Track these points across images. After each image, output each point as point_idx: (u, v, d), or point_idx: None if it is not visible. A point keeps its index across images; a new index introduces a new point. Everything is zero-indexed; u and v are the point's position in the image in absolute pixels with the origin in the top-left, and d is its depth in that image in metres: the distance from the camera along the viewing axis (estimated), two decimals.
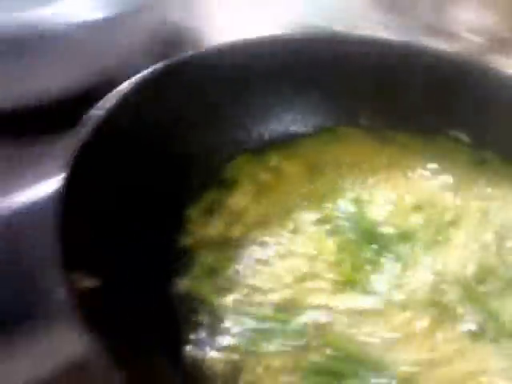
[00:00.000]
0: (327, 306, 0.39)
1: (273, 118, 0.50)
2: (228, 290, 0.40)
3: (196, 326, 0.38)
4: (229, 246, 0.43)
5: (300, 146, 0.50)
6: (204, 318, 0.39)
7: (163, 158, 0.44)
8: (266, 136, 0.50)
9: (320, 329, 0.38)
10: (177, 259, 0.41)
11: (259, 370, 0.36)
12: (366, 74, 0.51)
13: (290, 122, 0.51)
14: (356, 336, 0.38)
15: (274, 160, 0.49)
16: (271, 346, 0.38)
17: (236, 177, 0.47)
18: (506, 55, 0.67)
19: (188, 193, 0.44)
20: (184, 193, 0.44)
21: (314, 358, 0.37)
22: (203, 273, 0.41)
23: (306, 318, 0.39)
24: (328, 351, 0.37)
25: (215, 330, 0.38)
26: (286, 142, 0.50)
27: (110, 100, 0.41)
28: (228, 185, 0.47)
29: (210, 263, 0.42)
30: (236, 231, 0.44)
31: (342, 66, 0.51)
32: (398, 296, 0.40)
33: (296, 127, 0.51)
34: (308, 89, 0.50)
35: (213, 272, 0.41)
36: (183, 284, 0.40)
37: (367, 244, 0.43)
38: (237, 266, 0.42)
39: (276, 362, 0.37)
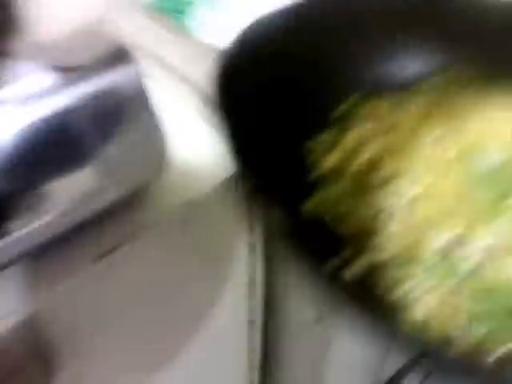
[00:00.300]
0: (470, 244, 0.40)
1: (389, 63, 0.51)
2: (362, 223, 0.42)
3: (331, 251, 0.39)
4: (353, 181, 0.45)
5: (414, 90, 0.50)
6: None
7: (291, 88, 0.45)
8: (382, 78, 0.51)
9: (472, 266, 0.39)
10: (304, 189, 0.43)
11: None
12: (485, 25, 0.51)
13: (405, 67, 0.51)
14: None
15: (388, 101, 0.50)
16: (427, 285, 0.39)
17: (355, 114, 0.48)
18: None
19: (309, 127, 0.46)
20: (305, 127, 0.46)
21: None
22: (333, 203, 0.43)
23: (455, 257, 0.40)
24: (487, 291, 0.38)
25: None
26: (400, 86, 0.51)
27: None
28: (348, 121, 0.48)
29: (338, 196, 0.43)
30: (358, 166, 0.45)
31: (464, 18, 0.51)
32: None
33: (411, 72, 0.52)
34: (430, 38, 0.51)
35: (340, 205, 0.43)
36: (313, 211, 0.42)
37: (494, 183, 0.44)
38: (364, 202, 0.43)
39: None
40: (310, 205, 0.42)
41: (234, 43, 0.46)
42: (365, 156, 0.46)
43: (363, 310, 0.36)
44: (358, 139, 0.47)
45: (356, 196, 0.43)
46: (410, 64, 0.51)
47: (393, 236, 0.41)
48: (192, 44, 0.59)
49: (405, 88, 0.50)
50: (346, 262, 0.39)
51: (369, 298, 0.37)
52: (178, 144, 0.45)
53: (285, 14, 0.48)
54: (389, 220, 0.42)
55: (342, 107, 0.48)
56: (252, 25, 0.47)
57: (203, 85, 0.53)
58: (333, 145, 0.46)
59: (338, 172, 0.45)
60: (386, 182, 0.44)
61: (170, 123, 0.44)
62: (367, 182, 0.44)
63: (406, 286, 0.39)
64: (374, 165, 0.45)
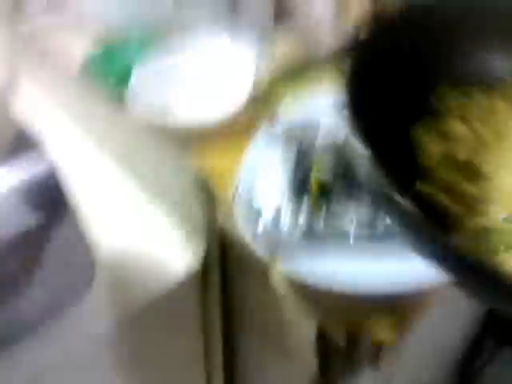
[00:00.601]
0: None
1: (480, 59, 0.53)
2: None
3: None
4: (458, 168, 0.47)
5: (503, 86, 0.53)
6: None
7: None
8: (472, 74, 0.53)
9: None
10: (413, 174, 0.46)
11: None
12: None
13: (495, 64, 0.53)
14: None
15: (479, 95, 0.52)
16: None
17: (448, 106, 0.51)
18: None
19: (413, 111, 0.49)
20: (411, 111, 0.48)
21: None
22: (441, 186, 0.46)
23: None
24: None
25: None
26: (488, 82, 0.53)
27: None
28: (443, 112, 0.50)
29: (451, 181, 0.46)
30: (461, 154, 0.48)
31: None
32: None
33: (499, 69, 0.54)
34: None
35: (449, 188, 0.46)
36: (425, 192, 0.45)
37: None
38: (470, 187, 0.46)
39: None
40: (422, 186, 0.45)
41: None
42: (464, 147, 0.49)
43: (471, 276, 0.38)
44: (459, 129, 0.50)
45: (459, 184, 0.46)
46: (504, 60, 0.53)
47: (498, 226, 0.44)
48: (120, 116, 0.56)
49: (492, 86, 0.52)
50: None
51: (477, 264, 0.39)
52: (109, 241, 0.40)
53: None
54: (492, 205, 0.45)
55: (441, 96, 0.51)
56: None
57: (137, 166, 0.50)
58: (434, 132, 0.49)
59: (441, 159, 0.48)
60: (488, 173, 0.47)
61: (98, 216, 0.40)
62: (469, 171, 0.47)
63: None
64: (473, 156, 0.48)
